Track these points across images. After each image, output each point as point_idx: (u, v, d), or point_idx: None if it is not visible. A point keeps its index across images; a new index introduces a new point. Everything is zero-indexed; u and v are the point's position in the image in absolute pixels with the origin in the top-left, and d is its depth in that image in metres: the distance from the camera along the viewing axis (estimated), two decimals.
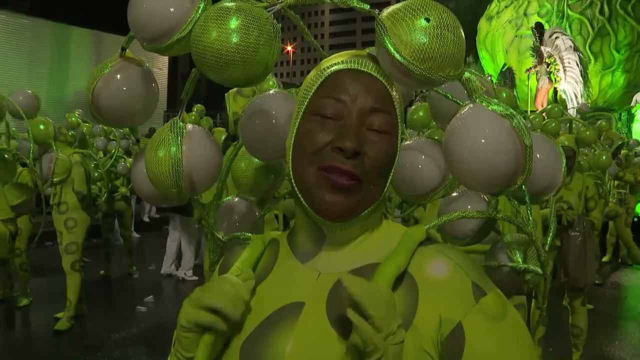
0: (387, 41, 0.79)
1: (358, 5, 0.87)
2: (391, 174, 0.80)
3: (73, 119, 6.13)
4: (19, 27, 13.52)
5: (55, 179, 4.63)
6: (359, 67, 0.79)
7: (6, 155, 4.02)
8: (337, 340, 0.72)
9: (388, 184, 0.80)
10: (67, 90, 14.29)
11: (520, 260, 1.16)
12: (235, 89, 3.18)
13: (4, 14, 13.24)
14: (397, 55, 0.78)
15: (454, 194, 1.23)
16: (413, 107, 3.47)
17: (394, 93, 0.81)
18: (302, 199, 0.78)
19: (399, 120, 0.81)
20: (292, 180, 0.79)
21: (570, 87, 12.59)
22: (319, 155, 0.76)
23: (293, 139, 0.80)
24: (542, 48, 12.63)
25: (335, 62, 0.81)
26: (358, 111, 0.77)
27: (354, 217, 0.78)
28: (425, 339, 0.71)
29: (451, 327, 0.71)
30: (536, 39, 12.78)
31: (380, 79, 0.80)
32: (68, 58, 14.63)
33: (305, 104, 0.80)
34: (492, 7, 14.89)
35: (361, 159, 0.76)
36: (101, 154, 6.53)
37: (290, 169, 0.80)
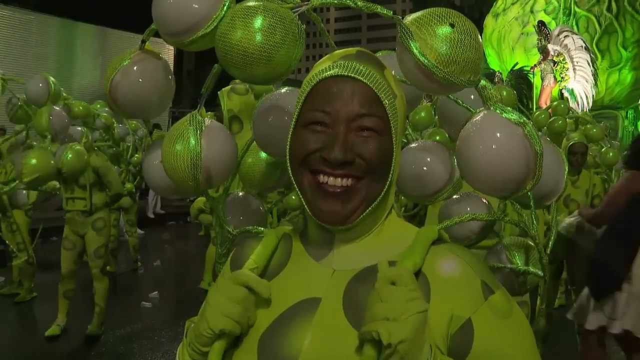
0: (412, 45, 0.80)
1: (382, 12, 0.89)
2: (391, 172, 0.80)
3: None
4: (25, 23, 13.53)
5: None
6: (343, 73, 0.79)
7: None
8: (355, 336, 0.73)
9: (388, 181, 0.80)
10: (72, 86, 14.29)
11: (519, 262, 1.18)
12: (229, 86, 3.19)
13: (10, 10, 13.26)
14: (422, 58, 0.80)
15: (455, 197, 1.25)
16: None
17: (383, 94, 0.79)
18: (305, 207, 0.80)
19: (391, 120, 0.79)
20: (296, 188, 0.81)
21: (580, 86, 12.50)
22: (308, 160, 0.78)
23: (287, 148, 0.81)
24: (549, 46, 12.55)
25: (322, 68, 0.81)
26: (345, 119, 0.78)
27: (356, 219, 0.79)
28: (436, 334, 0.74)
29: (461, 323, 0.74)
30: (540, 36, 12.69)
31: (366, 82, 0.78)
32: (74, 54, 14.64)
33: (296, 115, 0.81)
34: (499, 5, 14.80)
35: (353, 163, 0.77)
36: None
37: (292, 177, 0.81)
